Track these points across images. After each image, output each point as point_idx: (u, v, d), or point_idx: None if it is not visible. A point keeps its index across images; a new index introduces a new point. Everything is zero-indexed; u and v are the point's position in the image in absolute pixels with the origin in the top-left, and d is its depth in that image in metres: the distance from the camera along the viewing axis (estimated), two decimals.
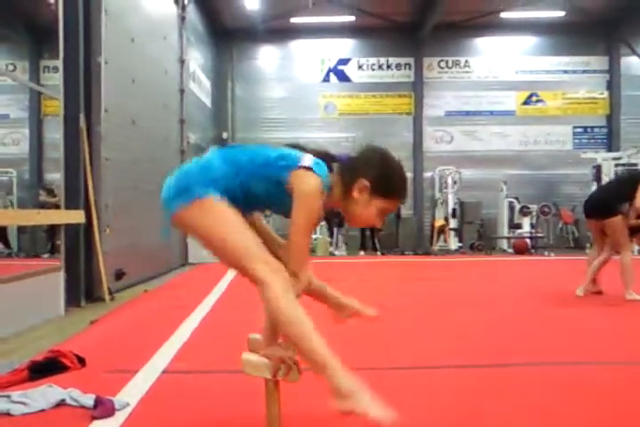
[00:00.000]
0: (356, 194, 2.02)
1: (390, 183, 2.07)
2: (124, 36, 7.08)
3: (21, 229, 8.90)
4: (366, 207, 2.05)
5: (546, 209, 14.41)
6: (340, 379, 1.76)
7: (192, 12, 11.52)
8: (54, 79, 6.04)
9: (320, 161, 2.00)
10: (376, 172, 2.04)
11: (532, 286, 6.85)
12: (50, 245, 8.07)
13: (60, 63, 5.55)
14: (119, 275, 6.61)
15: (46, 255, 8.10)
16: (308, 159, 1.98)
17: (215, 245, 1.95)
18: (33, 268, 5.24)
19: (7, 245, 9.14)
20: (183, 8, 10.23)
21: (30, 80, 8.53)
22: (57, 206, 5.52)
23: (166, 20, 9.39)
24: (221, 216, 1.93)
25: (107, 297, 5.93)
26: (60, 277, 5.14)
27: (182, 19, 10.18)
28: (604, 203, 5.79)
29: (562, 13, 14.71)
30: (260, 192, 2.01)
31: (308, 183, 1.92)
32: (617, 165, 13.44)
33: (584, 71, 16.03)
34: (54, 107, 5.94)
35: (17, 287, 4.37)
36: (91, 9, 6.07)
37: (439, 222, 14.41)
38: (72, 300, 5.44)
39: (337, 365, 1.78)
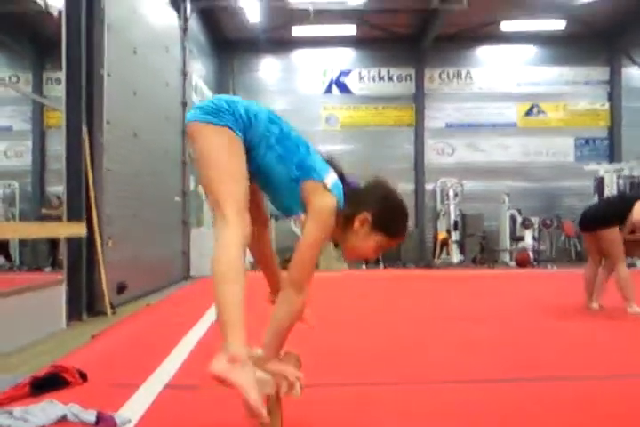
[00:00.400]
0: (356, 225, 2.03)
1: (392, 221, 2.09)
2: (127, 48, 7.10)
3: (23, 242, 8.86)
4: (364, 240, 2.06)
5: (548, 221, 14.38)
6: (235, 343, 1.72)
7: (194, 24, 11.55)
8: (57, 91, 6.05)
9: (340, 184, 2.04)
10: (380, 207, 2.05)
11: (534, 300, 6.82)
12: (52, 258, 8.03)
13: (62, 75, 5.55)
14: (121, 288, 6.57)
15: (48, 268, 8.06)
16: (331, 179, 2.02)
17: (208, 175, 1.93)
18: (35, 281, 5.20)
19: (9, 258, 9.10)
20: (185, 19, 10.27)
21: (33, 92, 8.55)
22: (60, 218, 5.50)
23: (168, 31, 9.42)
24: (231, 154, 1.93)
25: (108, 311, 5.89)
26: (62, 290, 5.11)
27: (184, 30, 10.21)
28: (602, 215, 5.73)
29: (562, 24, 14.76)
30: (270, 170, 2.03)
31: (326, 202, 1.97)
32: (619, 177, 13.42)
33: (585, 82, 16.05)
34: (57, 118, 5.95)
35: (19, 301, 4.34)
36: (93, 21, 6.08)
37: (442, 235, 14.35)
38: (73, 314, 5.40)
39: (240, 332, 1.75)
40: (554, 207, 15.48)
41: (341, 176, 2.08)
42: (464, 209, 14.72)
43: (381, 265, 13.39)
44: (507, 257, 14.21)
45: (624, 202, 5.72)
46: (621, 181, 13.38)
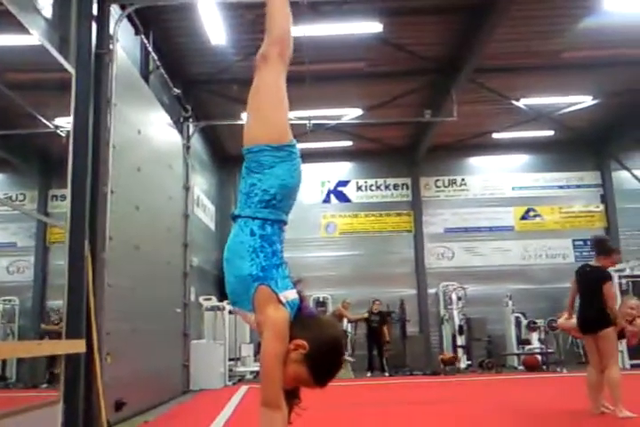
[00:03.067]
0: (290, 346, 2.01)
1: (324, 362, 2.04)
2: (131, 167, 7.33)
3: (20, 358, 8.71)
4: (290, 364, 2.00)
5: (554, 324, 14.17)
6: None
7: (196, 142, 12.03)
8: (61, 207, 6.18)
9: (295, 305, 2.07)
10: (321, 344, 2.03)
11: (541, 407, 6.62)
12: (48, 374, 7.86)
13: (68, 192, 5.71)
14: (119, 405, 6.39)
15: (44, 385, 7.88)
16: (288, 296, 2.05)
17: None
18: (30, 400, 5.09)
19: (3, 376, 8.89)
20: (188, 138, 10.72)
21: (38, 208, 8.74)
22: (59, 334, 5.46)
23: (172, 149, 9.78)
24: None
25: None
26: (58, 410, 4.98)
27: (187, 148, 10.62)
28: (597, 316, 5.80)
29: (551, 133, 15.35)
30: (242, 255, 2.07)
31: (281, 315, 2.00)
32: (620, 277, 13.42)
33: (578, 186, 16.47)
34: (60, 234, 6.03)
35: (11, 424, 4.22)
36: (99, 142, 6.35)
37: (447, 356, 13.71)
38: None
39: None
40: (558, 308, 15.23)
41: (301, 300, 2.10)
42: (468, 313, 14.57)
43: (387, 373, 13.06)
44: (514, 361, 13.89)
45: (598, 290, 5.78)
46: (623, 281, 13.37)
